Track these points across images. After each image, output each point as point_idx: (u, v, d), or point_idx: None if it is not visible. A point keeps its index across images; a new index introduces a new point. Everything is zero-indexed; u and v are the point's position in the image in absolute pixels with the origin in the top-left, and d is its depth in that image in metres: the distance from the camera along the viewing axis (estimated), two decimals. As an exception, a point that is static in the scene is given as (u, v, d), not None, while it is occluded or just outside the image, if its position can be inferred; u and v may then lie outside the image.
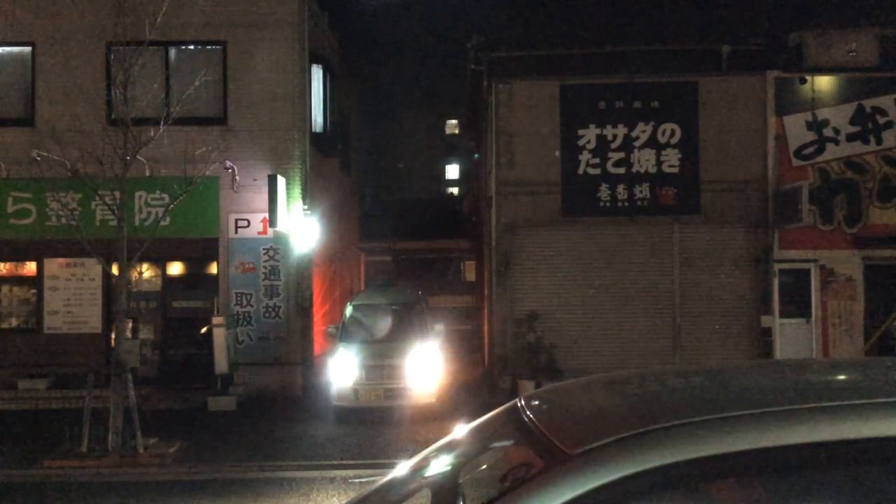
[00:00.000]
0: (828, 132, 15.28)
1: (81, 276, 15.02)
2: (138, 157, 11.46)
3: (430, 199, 40.49)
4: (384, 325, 13.57)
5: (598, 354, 15.04)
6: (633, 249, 15.28)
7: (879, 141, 15.25)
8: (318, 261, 16.90)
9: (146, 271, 15.56)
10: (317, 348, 16.64)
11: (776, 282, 15.33)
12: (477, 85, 17.89)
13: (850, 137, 15.26)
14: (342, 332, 13.37)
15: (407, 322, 13.69)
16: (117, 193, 10.75)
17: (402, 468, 2.75)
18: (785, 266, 15.37)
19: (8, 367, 14.64)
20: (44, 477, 9.70)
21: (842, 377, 2.65)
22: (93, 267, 14.52)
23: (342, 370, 12.49)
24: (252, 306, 14.90)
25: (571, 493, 1.77)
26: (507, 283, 15.32)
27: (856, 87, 15.27)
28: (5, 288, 15.58)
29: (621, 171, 15.27)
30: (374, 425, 12.09)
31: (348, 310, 13.94)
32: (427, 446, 2.74)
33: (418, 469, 2.68)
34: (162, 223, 11.90)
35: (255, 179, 14.79)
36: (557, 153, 15.25)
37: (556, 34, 15.85)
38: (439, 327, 14.20)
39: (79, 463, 9.97)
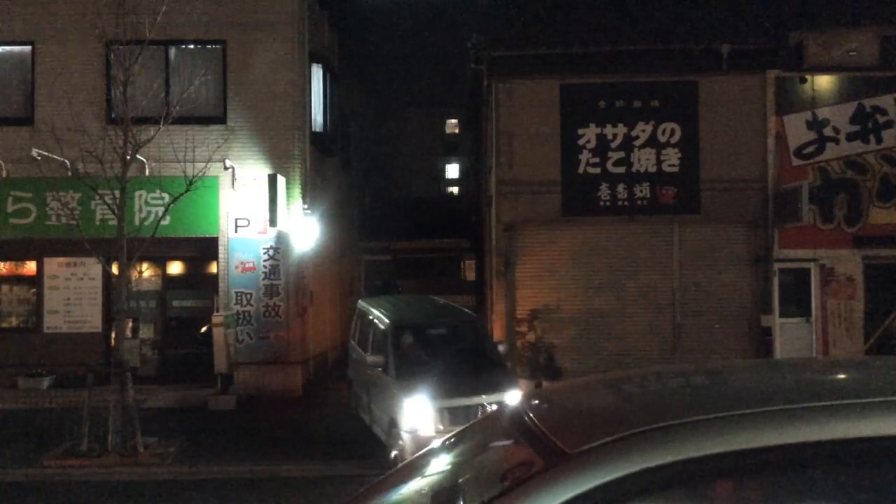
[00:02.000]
0: (828, 131, 15.28)
1: (81, 275, 15.02)
2: (138, 156, 11.46)
3: (430, 198, 40.48)
4: (449, 350, 10.83)
5: (598, 354, 15.05)
6: (633, 249, 15.28)
7: (879, 140, 15.26)
8: (318, 260, 16.90)
9: (146, 271, 15.56)
10: (315, 348, 16.64)
11: (776, 281, 15.34)
12: (477, 85, 17.89)
13: (851, 137, 15.27)
14: (397, 364, 10.19)
15: (471, 345, 11.18)
16: (117, 193, 10.74)
17: (402, 467, 2.75)
18: (785, 265, 15.38)
19: (8, 366, 14.64)
20: (43, 476, 9.71)
21: (841, 377, 2.65)
22: (93, 266, 14.52)
23: (416, 414, 9.30)
24: (252, 306, 14.89)
25: (571, 493, 1.77)
26: (508, 283, 15.32)
27: (856, 86, 15.28)
28: (5, 287, 15.57)
29: (621, 170, 15.27)
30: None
31: (395, 333, 10.66)
32: None
33: (418, 468, 2.68)
34: (162, 223, 11.90)
35: (254, 179, 14.79)
36: (557, 144, 15.25)
37: (556, 34, 15.85)
38: (502, 347, 11.60)
39: (79, 462, 9.97)
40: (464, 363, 10.44)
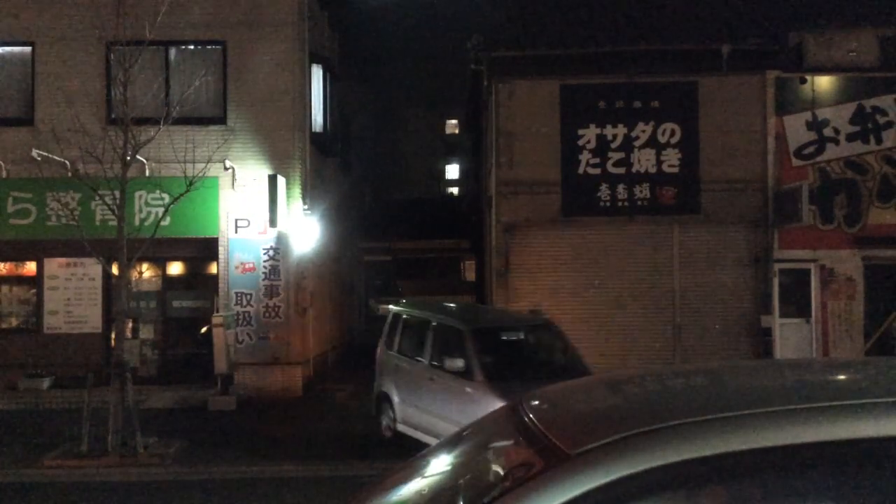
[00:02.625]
0: (828, 132, 15.28)
1: (81, 276, 15.01)
2: (138, 157, 11.46)
3: (430, 198, 40.43)
4: (532, 355, 10.38)
5: (598, 354, 15.00)
6: (633, 249, 15.28)
7: (879, 141, 15.26)
8: (318, 260, 16.90)
9: (146, 271, 15.56)
10: (316, 348, 16.63)
11: (776, 282, 15.33)
12: (477, 85, 17.89)
13: (850, 137, 15.27)
14: (485, 369, 9.31)
15: (552, 348, 10.65)
16: (117, 193, 10.74)
17: (402, 468, 2.75)
18: (785, 266, 15.37)
19: (8, 367, 14.64)
20: (43, 476, 9.69)
21: (841, 377, 2.65)
22: (93, 267, 14.51)
23: None
24: (252, 306, 14.89)
25: (571, 493, 1.77)
26: (507, 283, 15.31)
27: (856, 86, 15.27)
28: (5, 288, 15.57)
29: (621, 170, 15.27)
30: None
31: (476, 337, 9.80)
32: None
33: (419, 468, 2.68)
34: (162, 223, 11.90)
35: (254, 179, 14.79)
36: (557, 144, 15.24)
37: (556, 34, 15.85)
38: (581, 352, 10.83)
39: (78, 463, 9.96)
40: (550, 368, 9.92)
